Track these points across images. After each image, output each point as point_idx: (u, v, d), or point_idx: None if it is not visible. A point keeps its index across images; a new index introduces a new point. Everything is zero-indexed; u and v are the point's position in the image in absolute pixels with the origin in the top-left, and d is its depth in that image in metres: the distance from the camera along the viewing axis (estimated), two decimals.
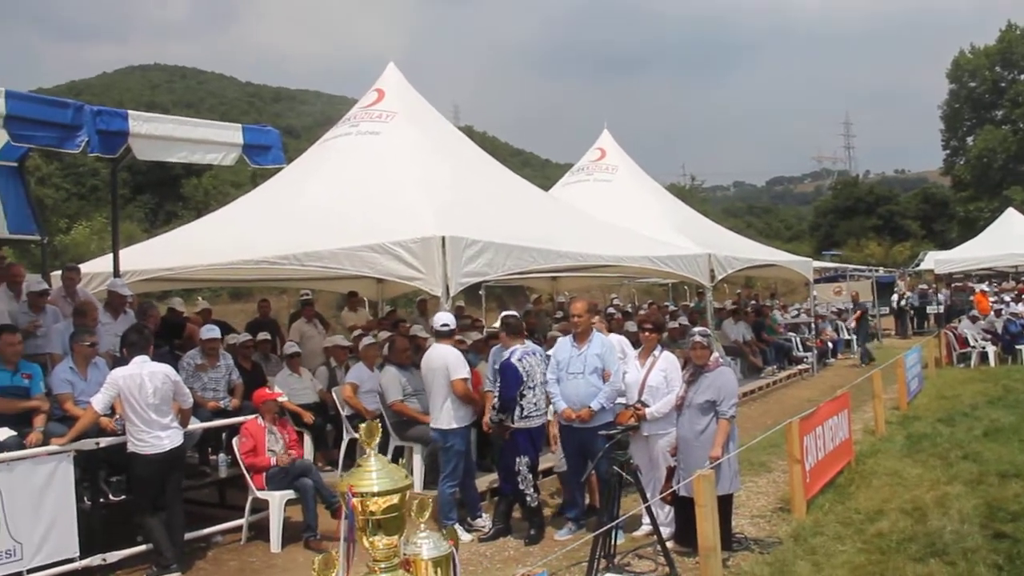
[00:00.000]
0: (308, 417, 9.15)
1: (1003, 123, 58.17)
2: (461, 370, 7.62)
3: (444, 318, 7.79)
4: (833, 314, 25.45)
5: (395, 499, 2.63)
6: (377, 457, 2.70)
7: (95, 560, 6.62)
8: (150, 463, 6.77)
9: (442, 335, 7.74)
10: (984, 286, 28.23)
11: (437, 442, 7.82)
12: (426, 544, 2.77)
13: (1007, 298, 23.81)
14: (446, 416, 7.59)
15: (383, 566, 2.63)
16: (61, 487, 6.44)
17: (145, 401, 6.72)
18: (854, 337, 23.04)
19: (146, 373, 6.81)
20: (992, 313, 20.57)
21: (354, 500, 2.60)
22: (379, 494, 2.60)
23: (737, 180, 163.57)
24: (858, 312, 22.77)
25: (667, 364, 7.20)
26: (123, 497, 7.20)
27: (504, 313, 8.26)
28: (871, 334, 27.89)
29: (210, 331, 9.18)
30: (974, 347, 18.95)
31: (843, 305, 26.77)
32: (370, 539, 2.63)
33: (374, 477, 2.63)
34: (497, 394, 7.59)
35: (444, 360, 7.60)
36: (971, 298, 24.42)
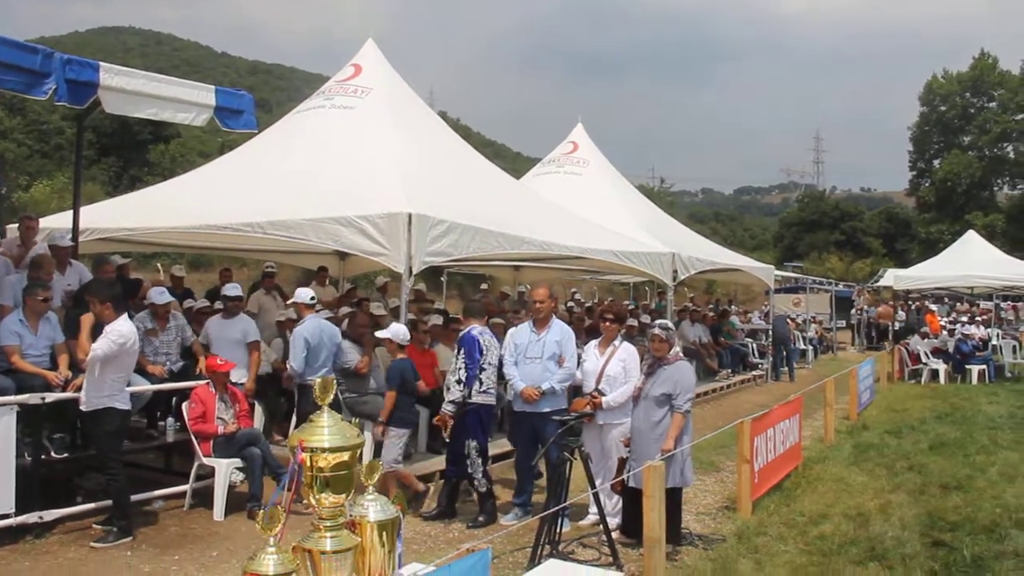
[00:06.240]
0: (248, 388, 8.96)
1: (970, 149, 59.27)
2: None
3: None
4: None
5: (345, 456, 2.58)
6: (330, 413, 2.65)
7: (31, 517, 6.48)
8: (125, 417, 6.74)
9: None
10: (935, 306, 28.74)
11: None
12: (373, 507, 2.74)
13: (964, 319, 24.26)
14: None
15: (328, 524, 2.58)
16: (1, 441, 6.28)
17: (135, 356, 6.79)
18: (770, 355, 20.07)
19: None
20: (944, 332, 20.97)
21: (303, 455, 2.55)
22: (329, 450, 2.56)
23: (705, 187, 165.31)
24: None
25: (626, 354, 7.22)
26: (65, 455, 7.07)
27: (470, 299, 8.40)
28: (827, 346, 28.33)
29: (160, 295, 8.86)
30: (926, 364, 19.31)
31: (800, 314, 26.97)
32: (317, 497, 2.58)
33: (325, 433, 2.58)
34: (463, 368, 7.44)
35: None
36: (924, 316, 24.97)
